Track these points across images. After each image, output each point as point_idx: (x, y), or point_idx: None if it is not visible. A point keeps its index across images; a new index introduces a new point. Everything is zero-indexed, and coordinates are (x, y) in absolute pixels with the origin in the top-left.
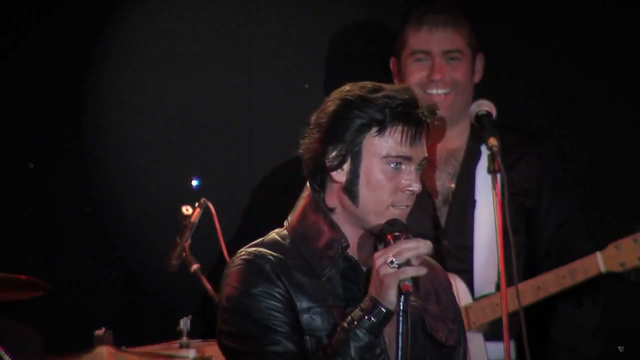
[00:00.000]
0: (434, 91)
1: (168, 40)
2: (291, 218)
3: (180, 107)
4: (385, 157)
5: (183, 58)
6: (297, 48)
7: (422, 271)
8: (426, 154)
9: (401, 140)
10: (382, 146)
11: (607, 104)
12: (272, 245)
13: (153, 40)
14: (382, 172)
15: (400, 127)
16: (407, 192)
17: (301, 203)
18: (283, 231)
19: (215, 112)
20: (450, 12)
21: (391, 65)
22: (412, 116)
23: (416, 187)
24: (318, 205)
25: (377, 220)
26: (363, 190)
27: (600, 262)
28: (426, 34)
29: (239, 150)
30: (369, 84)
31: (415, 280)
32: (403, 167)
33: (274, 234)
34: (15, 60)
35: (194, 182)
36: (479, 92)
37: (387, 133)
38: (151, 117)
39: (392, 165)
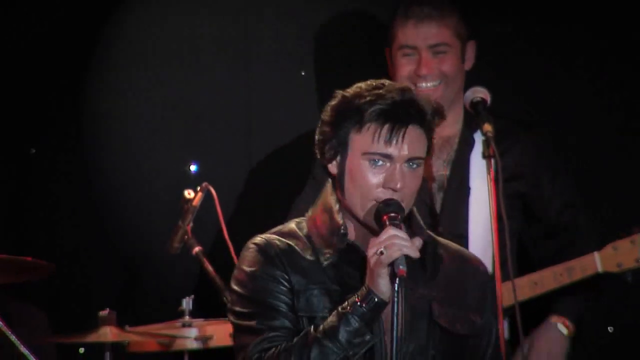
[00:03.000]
0: (423, 85)
1: (169, 29)
2: (312, 207)
3: (181, 96)
4: (365, 153)
5: (183, 48)
6: (294, 36)
7: (396, 254)
8: (417, 154)
9: (376, 138)
10: (361, 142)
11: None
12: (286, 233)
13: (154, 29)
14: (363, 168)
15: (375, 126)
16: (388, 189)
17: (322, 192)
18: (302, 221)
19: (215, 100)
20: (437, 4)
21: (386, 55)
22: (391, 115)
23: (398, 185)
24: (331, 194)
25: (362, 214)
26: (348, 184)
27: (597, 262)
28: (412, 28)
29: (239, 136)
30: (374, 82)
31: (423, 265)
32: (384, 164)
33: (293, 223)
34: (18, 45)
35: (192, 167)
36: (473, 79)
37: (364, 130)
38: (152, 105)
39: (371, 162)
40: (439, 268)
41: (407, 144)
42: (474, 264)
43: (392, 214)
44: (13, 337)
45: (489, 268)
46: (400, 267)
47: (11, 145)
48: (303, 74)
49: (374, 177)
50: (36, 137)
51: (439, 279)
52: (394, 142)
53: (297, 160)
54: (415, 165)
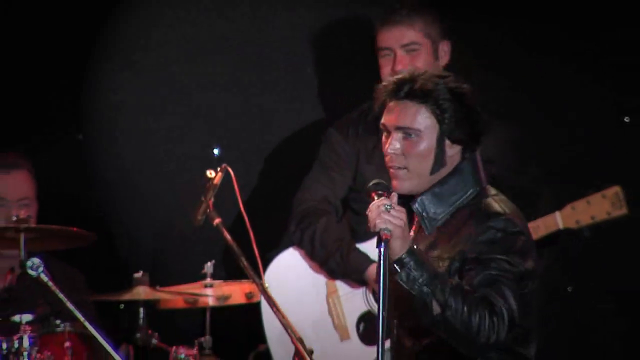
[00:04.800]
0: None
1: (191, 29)
2: None
3: (207, 91)
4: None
5: (207, 48)
6: (302, 38)
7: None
8: (402, 124)
9: (383, 111)
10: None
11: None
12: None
13: (177, 29)
14: (383, 140)
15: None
16: (387, 154)
17: None
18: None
19: (234, 93)
20: (406, 10)
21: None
22: (389, 91)
23: (386, 149)
24: None
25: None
26: None
27: (558, 220)
28: (387, 32)
29: (254, 125)
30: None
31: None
32: (386, 134)
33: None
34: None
35: (216, 151)
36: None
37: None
38: (185, 98)
39: (384, 133)
40: (435, 227)
41: (398, 114)
42: (474, 215)
43: (379, 192)
44: (60, 295)
45: None
46: (386, 232)
47: (61, 131)
48: (309, 71)
49: (384, 146)
50: (82, 124)
51: (437, 237)
52: (390, 113)
53: (304, 145)
54: (402, 133)
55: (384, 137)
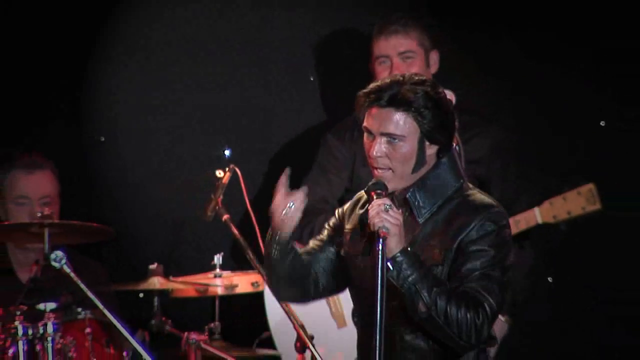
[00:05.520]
0: None
1: (190, 25)
2: None
3: (219, 96)
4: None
5: (217, 55)
6: (305, 47)
7: (378, 223)
8: (387, 130)
9: (366, 116)
10: None
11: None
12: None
13: (180, 24)
14: (365, 140)
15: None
16: (372, 157)
17: None
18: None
19: (243, 99)
20: (402, 21)
21: (370, 69)
22: (371, 99)
23: (372, 153)
24: None
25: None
26: None
27: (537, 215)
28: (384, 41)
29: (260, 129)
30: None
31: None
32: (370, 136)
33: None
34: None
35: (227, 152)
36: (446, 82)
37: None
38: (199, 102)
39: (366, 134)
40: (432, 217)
41: (382, 120)
42: (469, 207)
43: (379, 191)
44: (82, 285)
45: None
46: (383, 229)
47: (84, 134)
48: (312, 79)
49: (367, 147)
50: (105, 128)
51: (433, 227)
52: (373, 119)
53: (305, 148)
54: (390, 139)
55: (366, 139)
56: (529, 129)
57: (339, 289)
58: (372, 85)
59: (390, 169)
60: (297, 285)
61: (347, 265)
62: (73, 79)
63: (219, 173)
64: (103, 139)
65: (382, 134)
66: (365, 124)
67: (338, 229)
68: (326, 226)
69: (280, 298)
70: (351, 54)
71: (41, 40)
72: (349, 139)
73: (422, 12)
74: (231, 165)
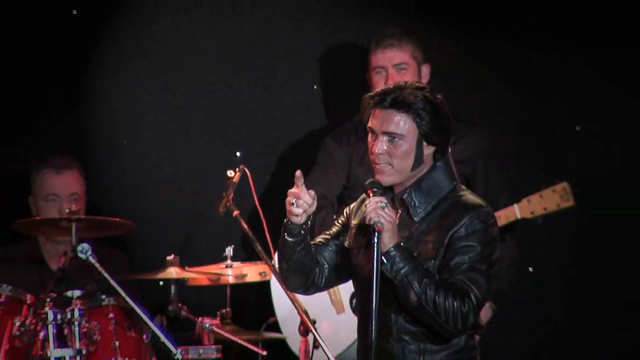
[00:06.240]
0: None
1: (191, 27)
2: None
3: (232, 101)
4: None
5: (224, 66)
6: (310, 58)
7: (374, 218)
8: (388, 129)
9: (370, 117)
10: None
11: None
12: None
13: (181, 25)
14: (369, 139)
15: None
16: (374, 154)
17: None
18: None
19: (254, 106)
20: (397, 35)
21: (367, 80)
22: (375, 101)
23: (375, 150)
24: None
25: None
26: None
27: (516, 211)
28: (381, 53)
29: (268, 133)
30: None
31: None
32: (373, 135)
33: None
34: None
35: (238, 153)
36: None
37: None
38: (215, 109)
39: (370, 134)
40: (424, 215)
41: (383, 120)
42: (460, 209)
43: (375, 190)
44: (106, 275)
45: None
46: (378, 224)
47: (108, 138)
48: (315, 87)
49: (370, 145)
50: (129, 130)
51: (429, 225)
52: (375, 119)
53: (309, 151)
54: (390, 137)
55: (370, 138)
56: (510, 133)
57: (340, 281)
58: (377, 90)
59: (390, 164)
60: (305, 275)
61: (350, 257)
62: (102, 82)
63: (230, 173)
64: (126, 141)
65: (384, 133)
66: (369, 124)
67: (345, 225)
68: (336, 223)
69: (289, 287)
70: (351, 66)
71: (41, 43)
72: (346, 142)
73: (425, 19)
74: (241, 166)
